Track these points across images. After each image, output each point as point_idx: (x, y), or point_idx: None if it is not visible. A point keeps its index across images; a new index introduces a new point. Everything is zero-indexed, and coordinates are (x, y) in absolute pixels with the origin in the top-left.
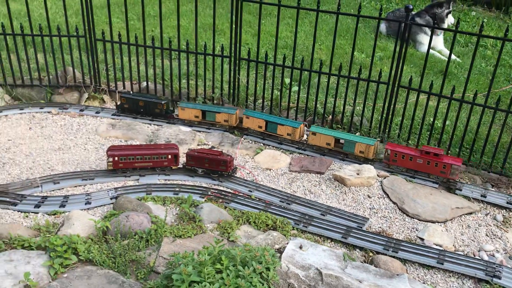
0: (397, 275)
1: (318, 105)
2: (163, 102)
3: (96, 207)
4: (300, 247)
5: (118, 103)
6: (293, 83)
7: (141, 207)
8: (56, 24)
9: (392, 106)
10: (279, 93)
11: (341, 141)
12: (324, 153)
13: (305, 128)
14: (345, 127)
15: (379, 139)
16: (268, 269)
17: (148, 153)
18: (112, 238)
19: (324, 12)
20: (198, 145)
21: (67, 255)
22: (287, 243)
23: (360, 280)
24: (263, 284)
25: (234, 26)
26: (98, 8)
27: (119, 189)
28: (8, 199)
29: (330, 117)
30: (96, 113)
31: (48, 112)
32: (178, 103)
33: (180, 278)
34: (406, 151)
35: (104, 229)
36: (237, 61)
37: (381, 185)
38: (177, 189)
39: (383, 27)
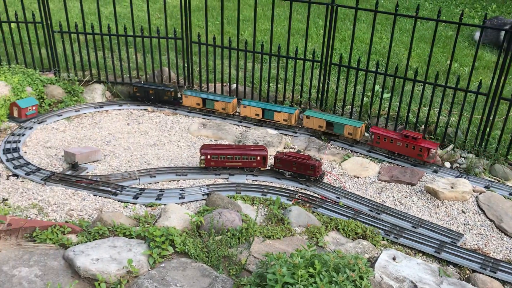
0: None
1: (410, 114)
2: (171, 90)
3: (189, 202)
4: (394, 259)
5: (131, 92)
6: (384, 90)
7: (232, 205)
8: (154, 27)
9: (491, 118)
10: (369, 100)
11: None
12: (317, 135)
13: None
14: (438, 137)
15: (365, 122)
16: (361, 278)
17: (238, 153)
18: (205, 233)
19: (423, 19)
20: (284, 148)
21: (164, 246)
22: (377, 254)
23: None
24: None
25: (327, 31)
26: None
27: (210, 186)
28: (110, 189)
29: (423, 127)
30: (188, 112)
31: (145, 109)
32: (183, 91)
33: (274, 278)
34: (388, 134)
35: (198, 224)
36: (328, 66)
37: (477, 201)
38: (265, 190)
39: (477, 35)
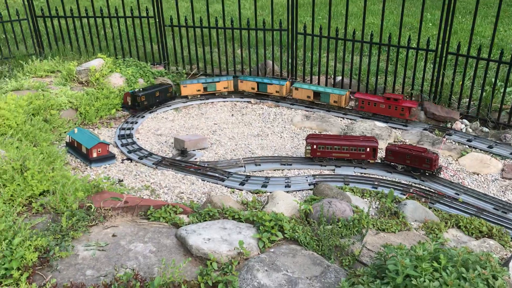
0: None
1: None
2: (168, 87)
3: (295, 191)
4: None
5: (130, 103)
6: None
7: (341, 195)
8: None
9: None
10: (489, 94)
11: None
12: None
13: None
14: None
15: (349, 90)
16: (494, 277)
17: (346, 144)
18: (314, 222)
19: None
20: (394, 141)
21: (274, 231)
22: (506, 255)
23: None
24: None
25: (444, 19)
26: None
27: (316, 176)
28: (217, 175)
29: None
30: (291, 104)
31: (248, 101)
32: (180, 82)
33: (395, 270)
34: (371, 98)
35: (307, 212)
36: (444, 56)
37: None
38: (376, 183)
39: None
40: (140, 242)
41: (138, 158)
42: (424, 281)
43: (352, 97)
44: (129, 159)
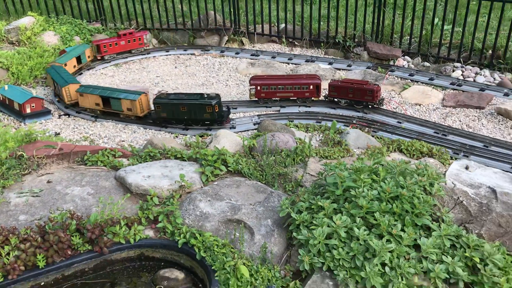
0: None
1: (476, 41)
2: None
3: (240, 131)
4: (466, 168)
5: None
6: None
7: (285, 129)
8: None
9: None
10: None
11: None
12: (483, 88)
13: None
14: (508, 62)
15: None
16: (431, 184)
17: (290, 83)
18: (258, 155)
19: None
20: None
21: (217, 164)
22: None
23: None
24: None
25: None
26: None
27: (261, 115)
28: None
29: (490, 52)
30: (235, 53)
31: (192, 54)
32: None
33: (334, 183)
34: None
35: (250, 146)
36: None
37: None
38: (319, 117)
39: None
40: (77, 186)
41: (76, 113)
42: (363, 191)
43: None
44: (66, 114)
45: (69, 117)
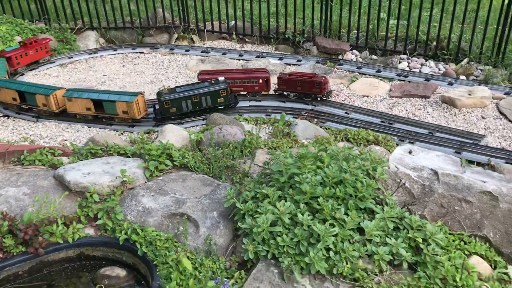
0: None
1: (420, 33)
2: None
3: (188, 127)
4: (410, 152)
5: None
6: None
7: (234, 123)
8: None
9: (509, 21)
10: (376, 26)
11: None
12: (428, 78)
13: None
14: (451, 53)
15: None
16: (375, 169)
17: (239, 77)
18: (206, 148)
19: None
20: None
21: (161, 159)
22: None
23: (484, 181)
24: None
25: None
26: None
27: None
28: (104, 119)
29: (435, 43)
30: (185, 51)
31: (140, 52)
32: None
33: (279, 170)
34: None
35: (198, 140)
36: None
37: (497, 107)
38: (269, 110)
39: None
40: (13, 187)
41: (16, 113)
42: (307, 178)
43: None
44: (6, 115)
45: (8, 118)
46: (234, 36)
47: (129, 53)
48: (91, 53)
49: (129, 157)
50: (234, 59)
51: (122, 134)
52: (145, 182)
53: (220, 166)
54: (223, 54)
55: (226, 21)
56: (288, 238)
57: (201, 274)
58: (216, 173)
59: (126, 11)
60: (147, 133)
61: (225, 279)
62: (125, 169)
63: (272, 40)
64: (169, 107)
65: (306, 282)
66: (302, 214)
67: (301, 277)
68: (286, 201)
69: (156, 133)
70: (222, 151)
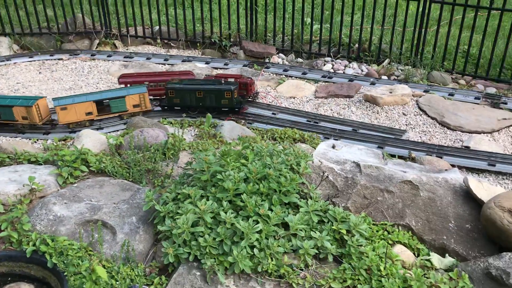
0: (446, 170)
1: (343, 36)
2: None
3: (108, 132)
4: (333, 147)
5: None
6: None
7: (157, 126)
8: None
9: (424, 24)
10: (300, 30)
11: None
12: (351, 79)
13: None
14: (373, 54)
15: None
16: (298, 163)
17: (163, 80)
18: (126, 152)
19: None
20: None
21: (76, 165)
22: None
23: (405, 171)
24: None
25: None
26: None
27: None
28: (15, 128)
29: (357, 46)
30: (108, 56)
31: (59, 59)
32: None
33: (201, 168)
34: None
35: (117, 144)
36: None
37: (417, 104)
38: (195, 113)
39: None
40: None
41: None
42: (230, 175)
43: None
44: None
45: None
46: (158, 41)
47: (46, 60)
48: (3, 60)
49: (41, 164)
50: (159, 63)
51: (36, 141)
52: (58, 190)
53: (140, 170)
54: (147, 59)
55: (150, 26)
56: (210, 238)
57: (117, 283)
58: (136, 177)
59: (43, 17)
60: (63, 140)
61: (144, 286)
62: (34, 176)
63: (198, 44)
64: (173, 97)
65: (230, 282)
66: (225, 212)
67: (225, 277)
68: (207, 200)
69: (73, 139)
70: (143, 154)
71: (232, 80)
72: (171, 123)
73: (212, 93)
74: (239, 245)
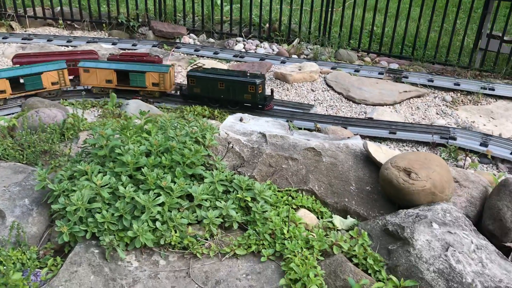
0: (348, 137)
1: (253, 16)
2: None
3: (3, 114)
4: (241, 120)
5: None
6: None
7: (56, 106)
8: None
9: (331, 4)
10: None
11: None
12: (262, 58)
13: None
14: (283, 34)
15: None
16: (204, 136)
17: (61, 59)
18: (20, 133)
19: None
20: None
21: None
22: None
23: (308, 139)
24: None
25: None
26: None
27: (30, 97)
28: None
29: (267, 26)
30: (3, 38)
31: None
32: None
33: (99, 143)
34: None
35: (10, 127)
36: None
37: (325, 80)
38: (99, 93)
39: None
40: None
41: None
42: (129, 149)
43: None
44: None
45: None
46: (61, 22)
47: None
48: None
49: None
50: (62, 45)
51: None
52: None
53: (35, 152)
54: (48, 40)
55: (51, 6)
56: (108, 214)
57: (4, 268)
58: (30, 159)
59: None
60: None
61: (37, 269)
62: None
63: (104, 26)
64: (193, 86)
65: (132, 258)
66: (125, 187)
67: (126, 253)
68: (105, 175)
69: None
70: (39, 135)
71: (260, 73)
72: (72, 104)
73: (234, 85)
74: (140, 219)
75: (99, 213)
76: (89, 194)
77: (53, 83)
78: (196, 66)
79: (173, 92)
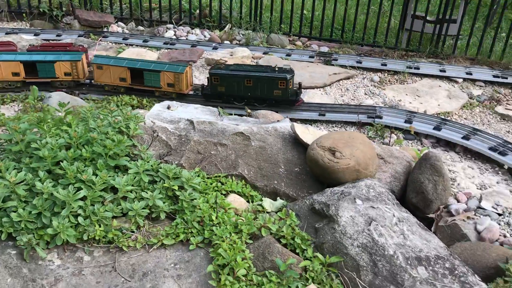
0: (278, 121)
1: (183, 2)
2: None
3: None
4: (168, 107)
5: None
6: None
7: None
8: None
9: None
10: None
11: None
12: (194, 44)
13: None
14: (214, 20)
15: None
16: (128, 126)
17: None
18: None
19: None
20: None
21: None
22: None
23: (237, 124)
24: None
25: None
26: None
27: None
28: None
29: (198, 12)
30: None
31: None
32: None
33: (14, 139)
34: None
35: None
36: None
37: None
38: (18, 85)
39: None
40: None
41: None
42: (46, 143)
43: None
44: None
45: None
46: None
47: None
48: None
49: None
50: None
51: None
52: None
53: None
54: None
55: None
56: (25, 212)
57: None
58: None
59: None
60: None
61: None
62: None
63: (25, 15)
64: (217, 84)
65: (53, 256)
66: (42, 183)
67: (47, 252)
68: (21, 171)
69: None
70: None
71: (289, 67)
72: None
73: (263, 82)
74: (60, 215)
75: (14, 211)
76: (3, 192)
77: (66, 74)
78: (218, 64)
79: (191, 92)
